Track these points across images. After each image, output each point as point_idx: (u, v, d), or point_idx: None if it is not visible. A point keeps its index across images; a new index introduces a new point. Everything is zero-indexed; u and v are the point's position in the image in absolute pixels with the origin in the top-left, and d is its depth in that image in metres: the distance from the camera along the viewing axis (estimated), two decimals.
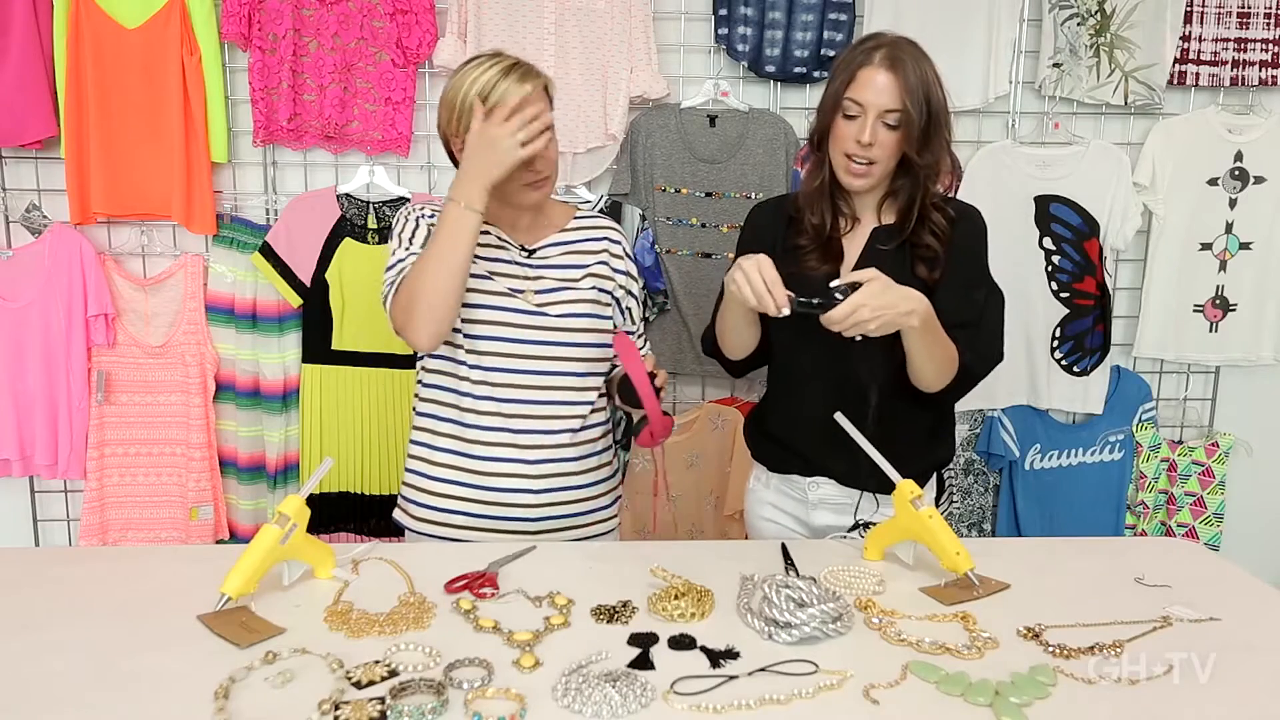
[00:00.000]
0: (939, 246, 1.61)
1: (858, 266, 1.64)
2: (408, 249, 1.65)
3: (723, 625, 1.29)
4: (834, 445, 1.57)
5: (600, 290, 1.73)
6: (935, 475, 1.77)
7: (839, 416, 1.50)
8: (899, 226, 1.65)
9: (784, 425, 1.73)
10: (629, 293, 1.79)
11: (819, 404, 1.61)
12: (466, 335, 1.66)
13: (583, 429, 1.72)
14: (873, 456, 1.47)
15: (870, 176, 1.60)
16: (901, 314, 1.46)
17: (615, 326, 1.77)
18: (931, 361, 1.56)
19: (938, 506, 1.76)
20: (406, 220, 1.69)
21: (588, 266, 1.74)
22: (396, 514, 1.79)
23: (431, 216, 1.68)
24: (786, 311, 1.44)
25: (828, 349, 1.64)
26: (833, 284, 1.44)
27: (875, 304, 1.42)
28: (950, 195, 2.66)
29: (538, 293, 1.68)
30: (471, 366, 1.67)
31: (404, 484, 1.78)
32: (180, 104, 2.44)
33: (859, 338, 1.47)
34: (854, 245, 1.67)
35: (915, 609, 1.34)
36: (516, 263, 1.70)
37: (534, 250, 1.72)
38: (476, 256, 1.67)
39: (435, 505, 1.72)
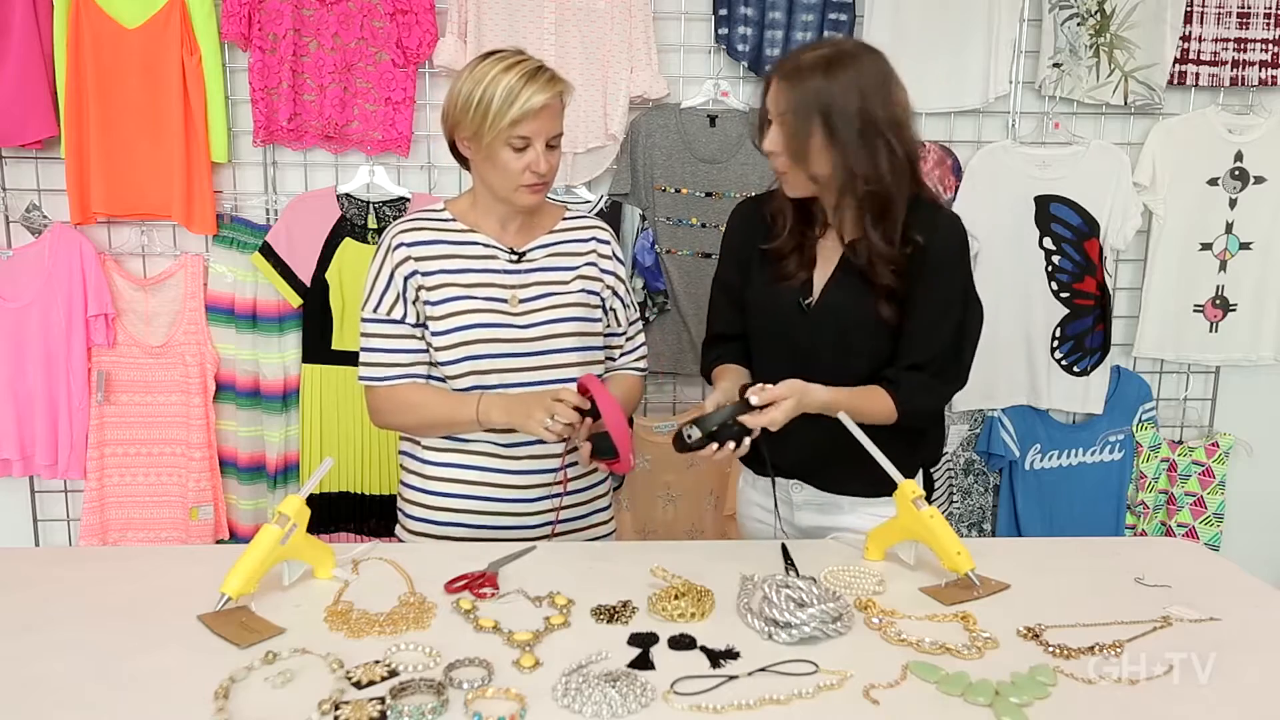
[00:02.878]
0: (895, 282, 1.56)
1: (829, 283, 1.62)
2: (375, 311, 1.66)
3: (723, 625, 1.29)
4: (806, 453, 1.58)
5: (588, 292, 1.72)
6: (922, 474, 1.75)
7: (842, 416, 1.49)
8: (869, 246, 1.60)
9: (761, 433, 1.67)
10: (615, 294, 1.77)
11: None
12: (452, 345, 1.64)
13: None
14: (874, 456, 1.46)
15: (788, 183, 1.57)
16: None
17: (604, 328, 1.76)
18: (858, 420, 1.55)
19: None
20: (383, 262, 1.66)
21: (576, 268, 1.72)
22: (398, 530, 1.78)
23: (400, 251, 1.64)
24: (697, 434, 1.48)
25: (795, 361, 1.61)
26: (750, 396, 1.47)
27: (784, 418, 1.47)
28: (951, 195, 2.68)
29: (523, 300, 1.66)
30: (456, 376, 1.65)
31: (401, 498, 1.77)
32: (180, 104, 2.44)
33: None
34: (827, 255, 1.64)
35: (915, 609, 1.34)
36: (504, 270, 1.67)
37: (523, 253, 1.70)
38: (463, 269, 1.66)
39: (434, 519, 1.71)
